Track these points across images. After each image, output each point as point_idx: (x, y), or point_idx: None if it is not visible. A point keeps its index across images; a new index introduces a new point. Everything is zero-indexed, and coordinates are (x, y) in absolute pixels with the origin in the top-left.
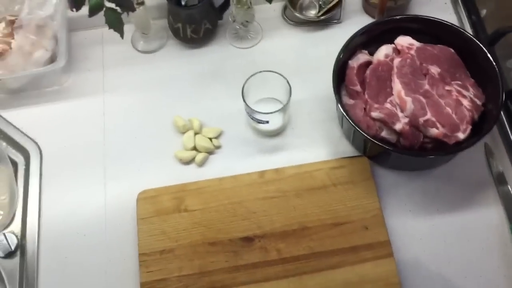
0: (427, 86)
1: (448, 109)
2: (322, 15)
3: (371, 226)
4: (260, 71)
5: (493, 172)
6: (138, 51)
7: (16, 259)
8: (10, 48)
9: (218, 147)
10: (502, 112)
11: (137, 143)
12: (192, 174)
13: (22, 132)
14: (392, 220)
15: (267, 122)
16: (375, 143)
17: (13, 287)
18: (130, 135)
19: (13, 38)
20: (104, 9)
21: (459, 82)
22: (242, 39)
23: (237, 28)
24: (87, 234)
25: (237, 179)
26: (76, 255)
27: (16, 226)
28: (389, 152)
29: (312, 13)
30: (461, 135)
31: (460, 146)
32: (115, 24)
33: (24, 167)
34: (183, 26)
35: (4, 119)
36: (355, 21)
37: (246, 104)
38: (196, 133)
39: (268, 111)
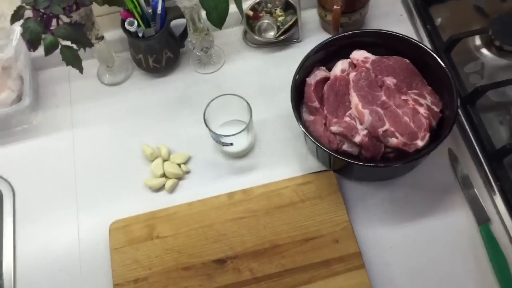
0: (383, 97)
1: (406, 118)
2: (281, 35)
3: (341, 239)
4: (220, 95)
5: (458, 176)
6: (105, 84)
7: None
8: None
9: (187, 172)
10: (463, 117)
11: (107, 174)
12: (162, 201)
13: None
14: (362, 231)
15: (231, 144)
16: (337, 157)
17: None
18: (101, 167)
19: None
20: (60, 47)
21: (416, 91)
22: (206, 64)
23: (199, 55)
24: (62, 268)
25: (206, 203)
26: None
27: None
28: (352, 165)
29: (271, 34)
30: (420, 143)
31: (420, 153)
32: (72, 61)
33: None
34: (144, 57)
35: None
36: (314, 39)
37: (209, 129)
38: (164, 160)
39: (232, 133)
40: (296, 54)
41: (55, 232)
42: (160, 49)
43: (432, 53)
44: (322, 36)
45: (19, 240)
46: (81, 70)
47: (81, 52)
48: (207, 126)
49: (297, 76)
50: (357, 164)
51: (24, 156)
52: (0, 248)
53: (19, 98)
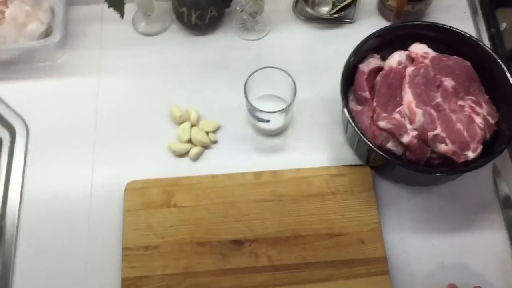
0: (439, 99)
1: (460, 125)
2: (335, 13)
3: (368, 241)
4: (265, 67)
5: (499, 195)
6: (139, 32)
7: None
8: (3, 17)
9: (214, 142)
10: None
11: (129, 129)
12: (184, 168)
13: (9, 107)
14: (390, 235)
15: (268, 121)
16: (379, 154)
17: None
18: (123, 121)
19: (7, 7)
20: None
21: (473, 98)
22: (249, 30)
23: (245, 19)
24: (70, 221)
25: (231, 178)
26: (57, 242)
27: None
28: (393, 165)
29: (325, 9)
30: (470, 154)
31: (469, 166)
32: (115, 3)
33: (9, 144)
34: (188, 11)
35: None
36: (369, 22)
37: (248, 101)
38: (192, 125)
39: (270, 109)
40: (347, 35)
41: (67, 181)
42: (206, 6)
43: (499, 61)
44: (377, 21)
45: (27, 182)
46: (122, 14)
47: None
48: (246, 97)
49: (351, 60)
50: (399, 165)
51: (43, 95)
52: (6, 187)
53: (46, 32)
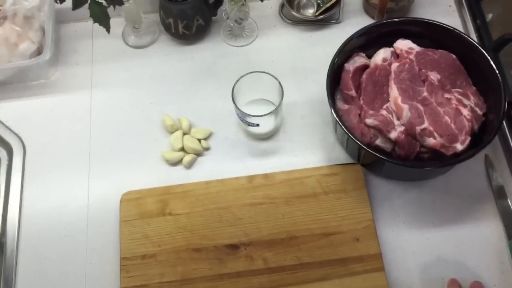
0: (425, 93)
1: (447, 118)
2: (320, 14)
3: (362, 238)
4: (251, 72)
5: (492, 185)
6: (129, 45)
7: None
8: None
9: (206, 149)
10: (504, 123)
11: (123, 141)
12: (178, 176)
13: (5, 126)
14: (384, 232)
15: (258, 125)
16: (369, 151)
17: None
18: (117, 133)
19: None
20: (89, 2)
21: (460, 90)
22: (237, 37)
23: (231, 26)
24: (68, 234)
25: (225, 183)
26: (56, 256)
27: None
28: (383, 162)
29: (310, 12)
30: (459, 146)
31: (458, 157)
32: (100, 18)
33: (6, 162)
34: (174, 22)
35: None
36: (355, 21)
37: (236, 106)
38: (184, 134)
39: (259, 113)
40: (334, 36)
41: (64, 195)
42: (192, 15)
43: (484, 52)
44: (363, 20)
45: (26, 198)
46: (108, 28)
47: (109, 10)
48: (234, 103)
49: (336, 60)
50: (388, 162)
51: (38, 112)
52: (6, 204)
53: (38, 51)
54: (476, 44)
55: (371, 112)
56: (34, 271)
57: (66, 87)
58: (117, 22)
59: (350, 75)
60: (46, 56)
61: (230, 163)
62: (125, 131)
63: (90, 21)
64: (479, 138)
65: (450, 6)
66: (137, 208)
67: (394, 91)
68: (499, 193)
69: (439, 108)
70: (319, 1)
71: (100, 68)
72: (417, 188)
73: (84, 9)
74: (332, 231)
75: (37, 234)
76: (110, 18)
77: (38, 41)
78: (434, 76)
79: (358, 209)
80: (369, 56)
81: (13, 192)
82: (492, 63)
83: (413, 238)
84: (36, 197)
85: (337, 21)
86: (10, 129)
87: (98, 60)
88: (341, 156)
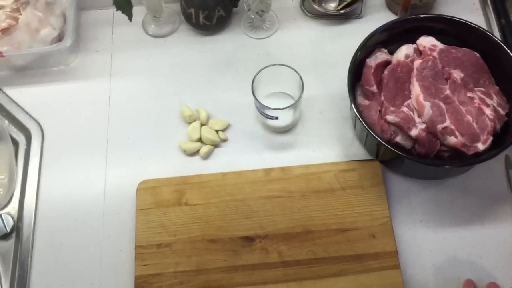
0: (448, 92)
1: (469, 117)
2: (342, 8)
3: (379, 235)
4: (273, 64)
5: None
6: (149, 35)
7: (11, 241)
8: (17, 24)
9: (224, 140)
10: None
11: (141, 130)
12: (195, 167)
13: (25, 111)
14: (401, 229)
15: (277, 118)
16: (388, 148)
17: (6, 269)
18: (135, 122)
19: (20, 14)
20: None
21: (483, 89)
22: (257, 29)
23: (252, 18)
24: (84, 221)
25: (241, 175)
26: (72, 242)
27: (13, 207)
28: (403, 159)
29: (332, 6)
30: (481, 146)
31: (479, 157)
32: (123, 6)
33: (25, 147)
34: (195, 12)
35: (8, 96)
36: (377, 17)
37: (256, 98)
38: (202, 124)
39: (278, 106)
40: (355, 31)
41: (81, 182)
42: (213, 6)
43: (508, 51)
44: (385, 15)
45: (43, 184)
46: (130, 17)
47: None
48: (254, 95)
49: (358, 55)
50: (408, 159)
51: (57, 98)
52: (23, 189)
53: (59, 37)
54: (501, 43)
55: (392, 108)
56: (50, 256)
57: (85, 74)
58: (137, 11)
59: (372, 70)
60: (67, 43)
61: (247, 155)
62: (143, 120)
63: (111, 9)
64: (501, 138)
65: (474, 4)
66: (154, 197)
67: (416, 88)
68: None
69: (461, 107)
70: None
71: (119, 56)
72: (436, 186)
73: None
74: (348, 227)
75: (54, 220)
76: (132, 6)
77: (59, 27)
78: (457, 74)
79: (375, 205)
80: (391, 52)
81: (31, 177)
82: None
83: (430, 237)
84: (53, 183)
85: (359, 16)
86: (29, 114)
87: (118, 48)
88: (359, 152)
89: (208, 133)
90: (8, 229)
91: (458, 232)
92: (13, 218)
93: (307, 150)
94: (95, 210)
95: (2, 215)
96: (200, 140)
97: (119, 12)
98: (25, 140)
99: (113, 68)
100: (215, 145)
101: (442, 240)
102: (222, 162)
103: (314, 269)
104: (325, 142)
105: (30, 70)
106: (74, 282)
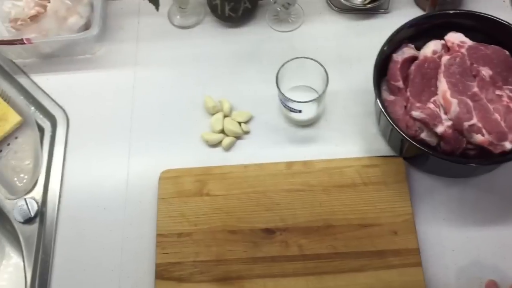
0: (475, 89)
1: (497, 116)
2: (369, 3)
3: (401, 232)
4: (297, 57)
5: None
6: (174, 25)
7: (35, 226)
8: (45, 11)
9: (246, 132)
10: None
11: (164, 120)
12: (217, 158)
13: (51, 98)
14: (423, 227)
15: (300, 111)
16: (413, 144)
17: (29, 254)
18: (158, 112)
19: (48, 2)
20: None
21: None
22: (282, 22)
23: (278, 10)
24: (107, 208)
25: (263, 168)
26: (94, 228)
27: (37, 193)
28: (427, 156)
29: (359, 0)
30: (508, 145)
31: (506, 156)
32: None
33: (50, 133)
34: (221, 3)
35: (35, 83)
36: (404, 12)
37: (280, 91)
38: (225, 116)
39: (302, 99)
40: (381, 26)
41: (104, 169)
42: None
43: None
44: (412, 10)
45: (67, 170)
46: (157, 6)
47: None
48: (278, 88)
49: (385, 49)
50: (433, 156)
51: (82, 86)
52: (48, 174)
53: (86, 26)
54: None
55: (418, 104)
56: (72, 241)
57: (111, 63)
58: (164, 1)
59: (399, 66)
60: (94, 31)
61: (269, 148)
62: (166, 110)
63: None
64: None
65: (504, 1)
66: (175, 187)
67: (443, 85)
68: None
69: (489, 104)
70: None
71: (144, 46)
72: (460, 185)
73: None
74: (370, 222)
75: (77, 206)
76: None
77: (87, 16)
78: (485, 72)
79: (398, 202)
80: (417, 48)
81: (55, 164)
82: None
83: (453, 236)
84: (77, 169)
85: (386, 11)
86: (55, 101)
87: (143, 38)
88: (382, 148)
89: (230, 125)
90: (33, 214)
91: (481, 232)
92: (37, 203)
93: (329, 144)
94: (117, 198)
95: (27, 200)
96: (222, 131)
97: (146, 2)
98: (50, 126)
99: (138, 58)
100: (238, 137)
101: (465, 240)
102: (244, 154)
103: (334, 264)
104: (348, 137)
105: (56, 57)
106: (96, 267)
